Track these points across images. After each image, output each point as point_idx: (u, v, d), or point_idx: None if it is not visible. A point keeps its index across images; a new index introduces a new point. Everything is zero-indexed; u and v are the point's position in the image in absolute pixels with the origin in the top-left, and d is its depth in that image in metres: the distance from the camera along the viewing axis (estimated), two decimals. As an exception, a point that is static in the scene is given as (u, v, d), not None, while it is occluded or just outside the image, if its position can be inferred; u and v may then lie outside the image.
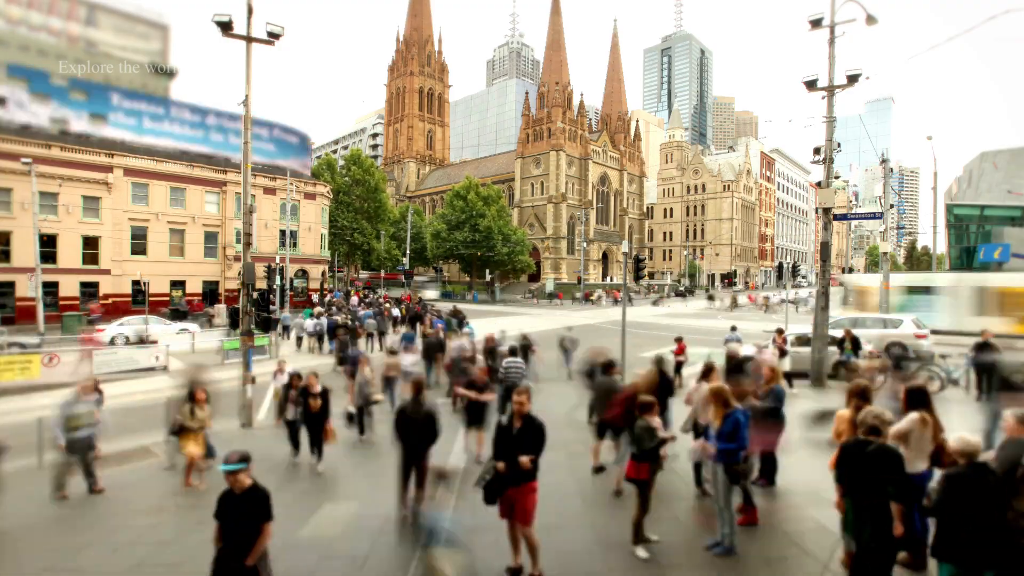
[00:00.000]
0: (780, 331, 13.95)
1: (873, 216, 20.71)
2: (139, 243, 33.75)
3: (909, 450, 4.81)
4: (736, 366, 9.19)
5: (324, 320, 21.44)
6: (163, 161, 34.65)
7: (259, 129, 33.98)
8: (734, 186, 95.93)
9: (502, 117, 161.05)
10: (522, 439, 4.87)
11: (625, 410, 6.38)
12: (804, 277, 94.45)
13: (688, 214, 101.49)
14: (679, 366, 14.02)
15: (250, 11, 10.98)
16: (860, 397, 5.13)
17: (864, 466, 3.96)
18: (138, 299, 31.68)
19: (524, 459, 4.75)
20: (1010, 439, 3.99)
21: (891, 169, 27.72)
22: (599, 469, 7.74)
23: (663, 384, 7.77)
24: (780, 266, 29.41)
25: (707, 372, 6.99)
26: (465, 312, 25.74)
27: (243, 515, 3.89)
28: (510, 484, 4.80)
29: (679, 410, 8.41)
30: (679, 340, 14.54)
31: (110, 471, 8.54)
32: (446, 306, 30.64)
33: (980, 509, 3.45)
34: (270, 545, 4.09)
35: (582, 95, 77.75)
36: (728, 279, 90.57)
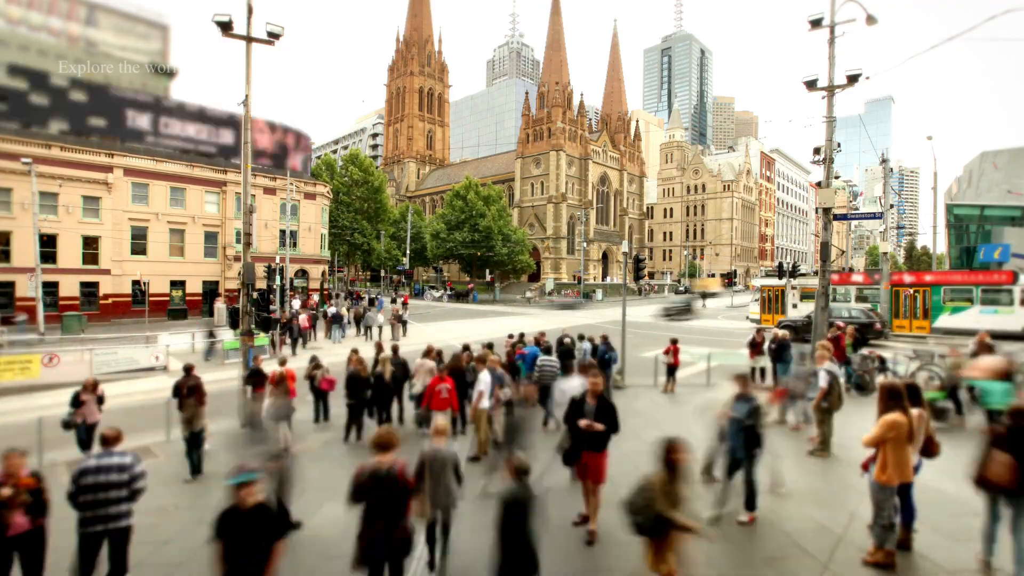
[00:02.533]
0: (760, 331, 14.11)
1: (873, 216, 20.71)
2: (139, 243, 33.73)
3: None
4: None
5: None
6: (163, 161, 34.64)
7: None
8: (734, 186, 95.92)
9: (502, 117, 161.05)
10: (599, 415, 5.67)
11: None
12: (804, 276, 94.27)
13: (688, 214, 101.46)
14: (672, 369, 13.57)
15: (250, 11, 10.98)
16: (901, 399, 4.88)
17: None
18: (138, 299, 31.69)
19: (598, 425, 5.59)
20: None
21: (891, 169, 27.73)
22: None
23: None
24: (780, 266, 29.42)
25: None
26: (465, 312, 25.68)
27: (251, 535, 3.41)
28: (588, 448, 5.69)
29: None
30: (674, 342, 14.00)
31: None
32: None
33: None
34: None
35: (582, 95, 77.77)
36: (728, 279, 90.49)
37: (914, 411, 4.93)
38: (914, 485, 5.08)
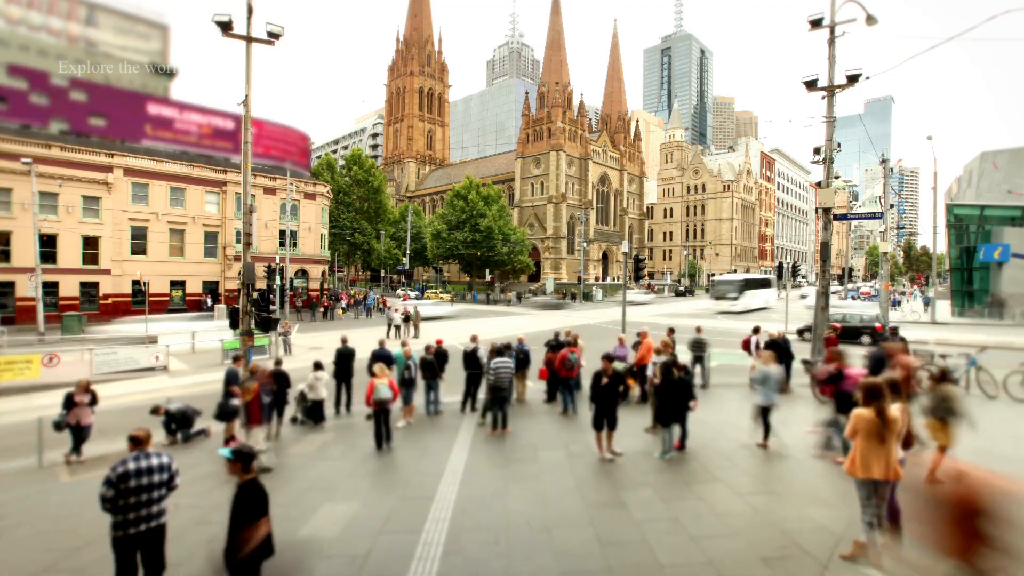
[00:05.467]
0: (756, 329, 14.07)
1: (873, 216, 20.66)
2: (139, 243, 33.73)
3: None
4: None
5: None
6: (163, 161, 34.64)
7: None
8: (734, 186, 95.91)
9: (502, 117, 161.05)
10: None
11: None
12: (804, 277, 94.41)
13: (688, 214, 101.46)
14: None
15: (250, 11, 10.97)
16: (879, 395, 4.89)
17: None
18: (138, 299, 31.68)
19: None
20: None
21: (891, 169, 27.72)
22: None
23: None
24: (780, 266, 29.42)
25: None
26: (465, 312, 25.68)
27: (235, 508, 3.99)
28: None
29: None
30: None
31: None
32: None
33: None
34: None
35: (582, 95, 77.77)
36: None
37: (895, 406, 4.92)
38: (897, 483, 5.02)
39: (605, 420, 8.12)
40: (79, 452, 8.98)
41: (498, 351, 10.57)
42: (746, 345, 13.44)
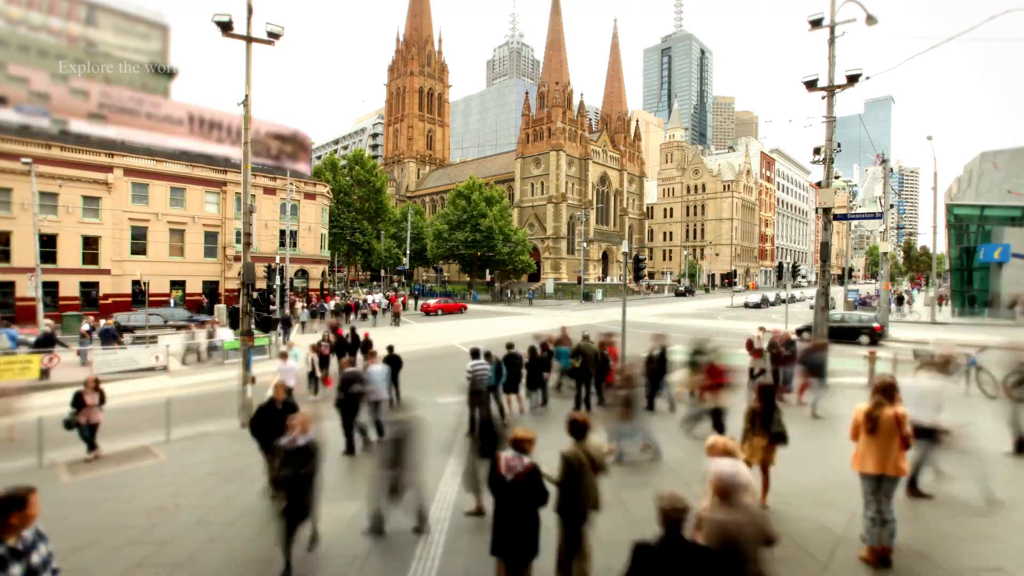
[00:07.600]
0: (762, 328, 14.17)
1: (873, 216, 20.69)
2: (139, 243, 33.72)
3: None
4: None
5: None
6: (163, 161, 34.63)
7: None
8: (734, 186, 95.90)
9: (502, 117, 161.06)
10: None
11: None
12: (804, 277, 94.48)
13: (688, 214, 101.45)
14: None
15: (250, 11, 10.98)
16: (884, 394, 5.03)
17: None
18: (138, 299, 31.67)
19: None
20: None
21: (891, 169, 27.72)
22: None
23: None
24: (780, 266, 29.42)
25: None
26: (467, 312, 25.51)
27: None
28: None
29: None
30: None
31: (110, 471, 8.54)
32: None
33: None
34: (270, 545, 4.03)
35: (582, 95, 77.76)
36: (728, 279, 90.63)
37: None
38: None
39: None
40: (95, 447, 9.13)
41: (474, 354, 10.53)
42: (749, 345, 13.47)
